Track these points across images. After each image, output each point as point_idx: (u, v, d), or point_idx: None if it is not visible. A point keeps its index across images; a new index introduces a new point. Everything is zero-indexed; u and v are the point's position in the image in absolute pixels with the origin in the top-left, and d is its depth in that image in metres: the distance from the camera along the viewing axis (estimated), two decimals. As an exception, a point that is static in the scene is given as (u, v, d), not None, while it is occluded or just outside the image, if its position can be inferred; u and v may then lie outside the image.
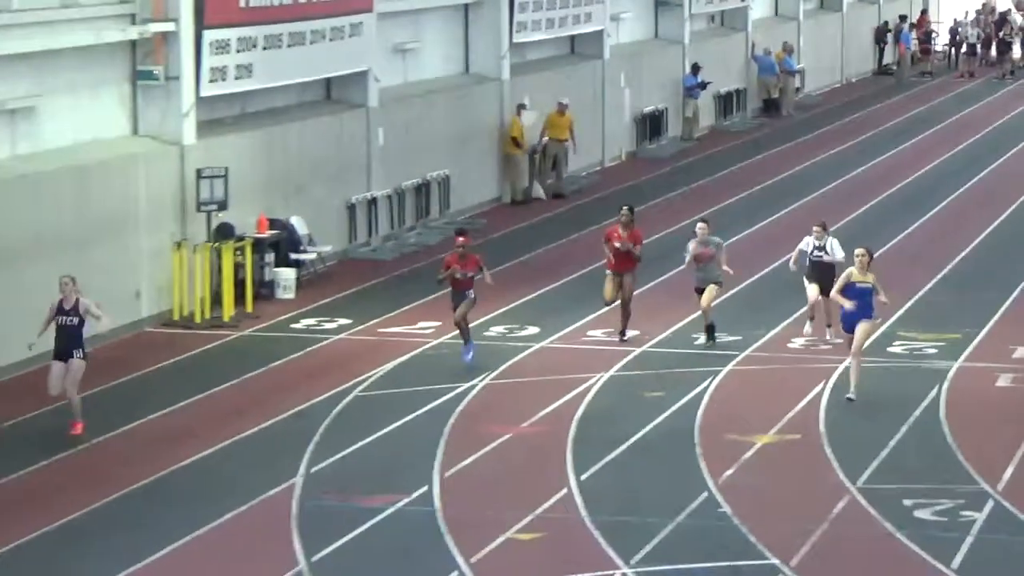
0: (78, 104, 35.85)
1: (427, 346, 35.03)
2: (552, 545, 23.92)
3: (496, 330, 36.14)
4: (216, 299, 37.30)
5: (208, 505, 25.38)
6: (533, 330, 36.00)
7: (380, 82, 44.82)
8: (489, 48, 50.82)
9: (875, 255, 31.10)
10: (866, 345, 31.16)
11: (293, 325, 36.64)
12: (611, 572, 22.82)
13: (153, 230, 36.61)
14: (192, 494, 26.04)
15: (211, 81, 38.31)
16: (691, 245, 35.04)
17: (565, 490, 26.11)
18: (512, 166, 51.06)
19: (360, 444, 28.48)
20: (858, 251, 30.19)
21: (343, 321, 37.00)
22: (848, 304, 29.99)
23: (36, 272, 32.91)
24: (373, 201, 44.56)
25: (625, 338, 35.27)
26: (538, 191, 51.22)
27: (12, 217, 32.59)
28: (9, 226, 32.45)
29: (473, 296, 33.00)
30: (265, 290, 38.79)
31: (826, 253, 33.98)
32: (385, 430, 29.33)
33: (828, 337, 34.81)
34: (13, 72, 33.76)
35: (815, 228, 34.72)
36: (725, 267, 35.09)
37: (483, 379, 32.22)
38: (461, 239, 33.56)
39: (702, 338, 35.12)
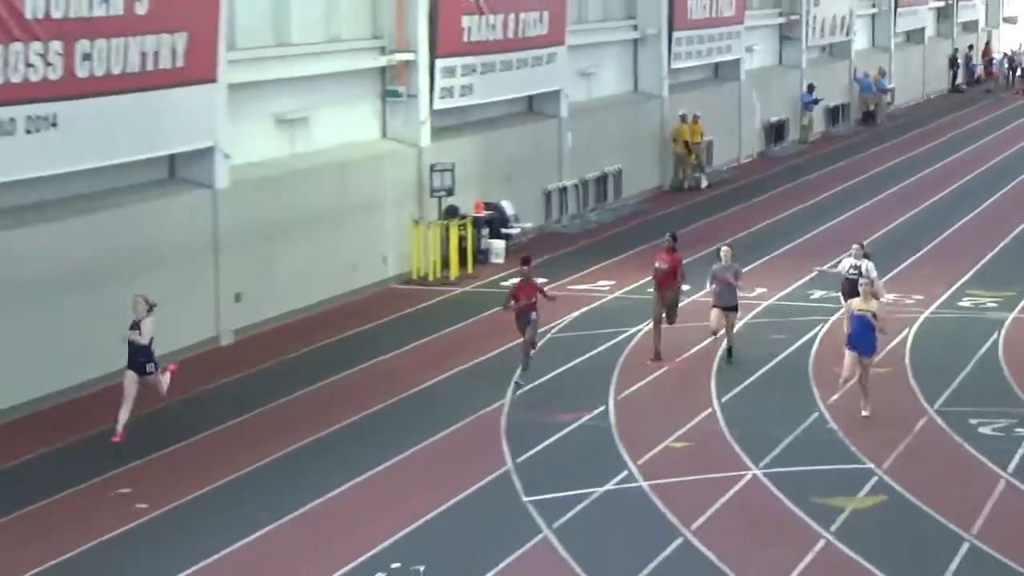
0: (340, 115, 36.16)
1: (604, 299, 35.05)
2: (699, 451, 24.06)
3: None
4: (444, 263, 37.40)
5: (436, 421, 25.67)
6: (684, 285, 35.86)
7: (569, 98, 44.83)
8: (653, 72, 50.67)
9: (948, 232, 30.38)
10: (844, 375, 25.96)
11: (503, 283, 36.55)
12: (744, 472, 22.90)
13: (397, 210, 36.86)
14: (424, 412, 26.31)
15: (441, 98, 38.48)
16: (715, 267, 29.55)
17: (709, 410, 26.17)
18: (679, 161, 50.99)
19: (553, 373, 28.62)
20: (862, 282, 26.03)
21: (540, 280, 36.85)
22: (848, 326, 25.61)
23: (309, 241, 33.39)
24: (563, 189, 44.57)
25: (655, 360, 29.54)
26: (703, 181, 50.99)
27: (291, 201, 32.96)
28: (288, 208, 32.83)
29: (536, 318, 27.88)
30: (481, 256, 38.79)
31: (861, 274, 28.04)
32: (572, 363, 29.49)
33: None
34: (292, 91, 34.16)
35: (854, 247, 29.78)
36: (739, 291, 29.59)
37: (646, 324, 32.20)
38: (525, 267, 28.60)
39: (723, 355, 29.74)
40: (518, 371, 27.83)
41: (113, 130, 27.91)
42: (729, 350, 29.44)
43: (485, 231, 39.24)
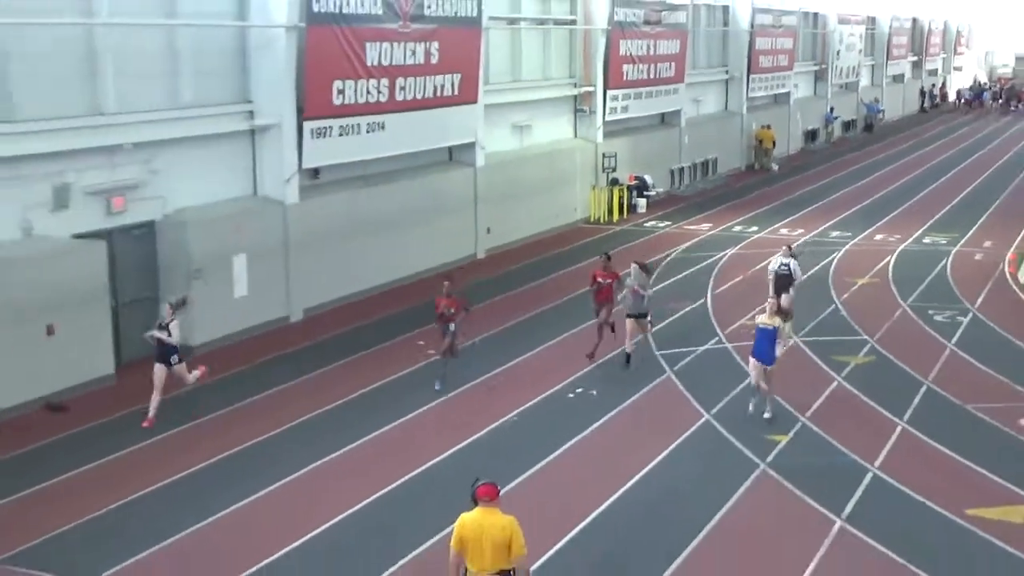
0: (550, 123, 36.15)
1: (705, 235, 34.72)
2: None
3: (741, 227, 35.78)
4: (609, 211, 37.36)
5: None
6: (755, 227, 35.66)
7: (685, 115, 44.48)
8: (737, 98, 49.98)
9: (919, 196, 29.03)
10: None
11: (645, 224, 36.59)
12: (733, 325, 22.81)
13: (582, 181, 36.88)
14: (587, 303, 26.42)
15: (609, 114, 38.40)
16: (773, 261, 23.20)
17: (742, 320, 26.00)
18: (757, 153, 50.37)
19: (673, 279, 28.59)
20: (769, 299, 18.67)
21: (666, 222, 36.94)
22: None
23: (531, 199, 33.56)
24: (682, 168, 44.18)
25: (593, 361, 21.12)
26: (774, 165, 50.31)
27: (520, 175, 33.11)
28: (519, 179, 32.97)
29: (455, 329, 19.42)
30: (632, 208, 38.63)
31: (791, 271, 22.48)
32: (687, 272, 29.39)
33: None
34: (522, 109, 34.28)
35: (783, 247, 23.26)
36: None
37: (732, 249, 32.02)
38: (446, 282, 19.93)
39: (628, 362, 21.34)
40: (437, 381, 19.55)
41: (417, 131, 28.30)
42: (628, 356, 20.77)
43: (634, 193, 39.07)
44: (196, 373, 18.65)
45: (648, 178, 40.17)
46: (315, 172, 25.92)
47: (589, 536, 13.90)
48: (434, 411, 18.65)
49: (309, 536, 13.88)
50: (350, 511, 14.58)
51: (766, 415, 17.94)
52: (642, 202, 39.14)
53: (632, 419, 18.20)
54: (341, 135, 25.62)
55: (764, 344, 17.81)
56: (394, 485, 15.44)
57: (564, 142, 36.70)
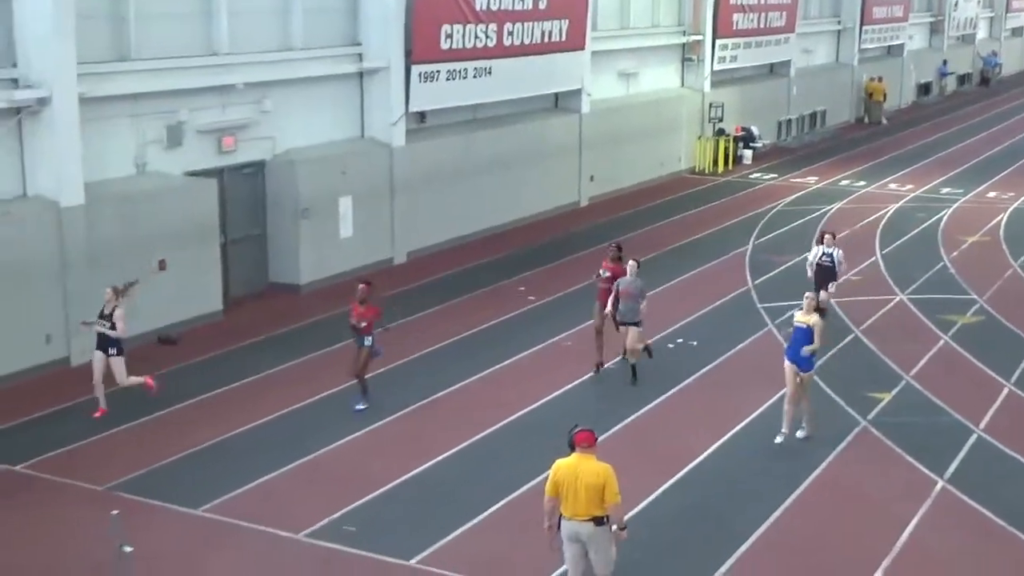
0: (657, 72, 35.70)
1: (811, 188, 34.08)
2: (867, 282, 23.55)
3: (848, 181, 35.13)
4: (714, 162, 36.93)
5: (708, 256, 25.56)
6: (863, 182, 35.00)
7: (795, 66, 43.60)
8: (849, 50, 48.78)
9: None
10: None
11: (750, 176, 36.13)
12: (894, 296, 22.44)
13: (688, 130, 36.44)
14: (701, 251, 26.21)
15: (718, 63, 37.76)
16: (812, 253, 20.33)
17: (874, 257, 25.56)
18: (867, 106, 49.28)
19: (777, 232, 28.21)
20: (808, 295, 15.40)
21: (772, 174, 36.42)
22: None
23: (636, 146, 33.29)
24: (789, 120, 43.44)
25: (600, 371, 17.77)
26: (883, 119, 49.25)
27: (625, 122, 32.81)
28: (623, 127, 32.69)
29: (370, 343, 16.03)
30: (737, 159, 38.15)
31: (833, 261, 19.82)
32: (792, 225, 28.97)
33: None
34: (628, 56, 33.95)
35: (826, 236, 20.17)
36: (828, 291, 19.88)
37: (838, 204, 31.46)
38: (361, 286, 16.16)
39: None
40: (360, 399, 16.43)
41: (523, 77, 28.21)
42: (633, 367, 17.30)
43: (740, 144, 38.57)
44: (137, 379, 15.90)
45: (755, 129, 39.59)
46: (421, 116, 25.99)
47: (687, 485, 13.83)
48: (533, 356, 18.69)
49: (413, 473, 14.07)
50: (450, 452, 14.75)
51: (799, 433, 15.11)
52: (748, 153, 38.62)
53: (733, 371, 18.04)
54: (448, 79, 25.63)
55: (799, 345, 15.08)
56: (493, 428, 15.54)
57: (670, 91, 36.27)
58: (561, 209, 30.05)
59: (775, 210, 30.71)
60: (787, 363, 15.09)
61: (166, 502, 13.26)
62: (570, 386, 17.27)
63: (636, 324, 17.05)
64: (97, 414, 15.58)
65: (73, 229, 17.85)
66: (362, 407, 16.11)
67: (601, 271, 17.99)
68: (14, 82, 17.36)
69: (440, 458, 14.52)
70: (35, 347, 17.07)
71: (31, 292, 17.28)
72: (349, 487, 13.66)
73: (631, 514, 12.62)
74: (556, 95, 30.72)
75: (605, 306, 17.44)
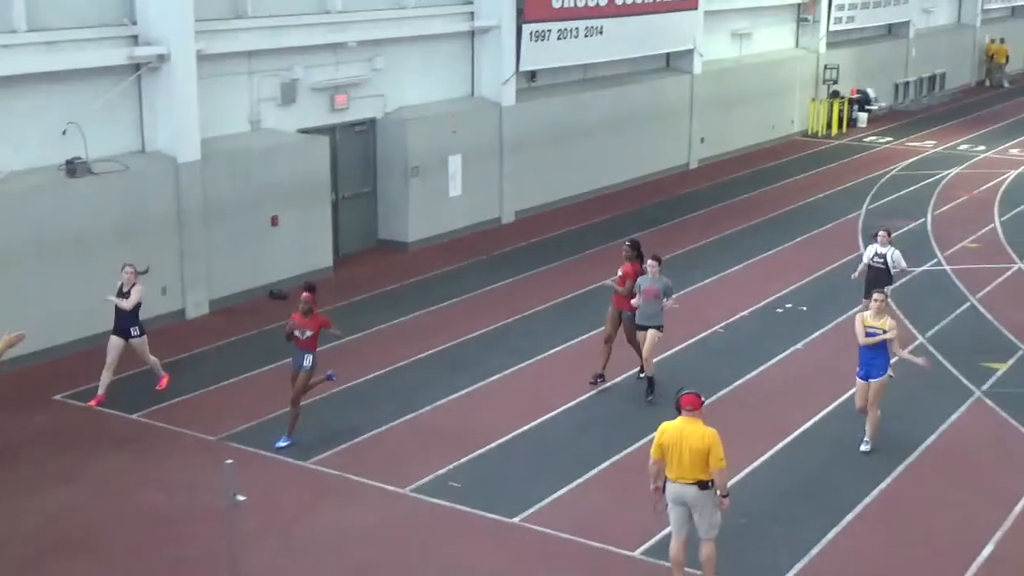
0: (770, 32, 35.08)
1: (928, 152, 33.32)
2: (984, 250, 22.98)
3: (967, 146, 34.16)
4: (828, 125, 36.26)
5: (819, 220, 25.14)
6: (982, 147, 34.04)
7: (914, 27, 42.37)
8: (971, 11, 47.36)
9: None
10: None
11: (865, 139, 35.42)
12: (1011, 265, 21.83)
13: (801, 92, 35.73)
14: (814, 215, 25.79)
15: (834, 23, 37.01)
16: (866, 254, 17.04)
17: (992, 224, 24.92)
18: (988, 69, 47.93)
19: (892, 197, 27.61)
20: (876, 295, 13.37)
21: (888, 138, 35.66)
22: (868, 340, 13.24)
23: (747, 108, 32.80)
24: (907, 82, 42.42)
25: (640, 376, 15.61)
26: (1005, 82, 47.91)
27: (737, 84, 32.32)
28: (736, 88, 32.21)
29: (311, 363, 13.69)
30: (852, 122, 37.34)
31: (887, 263, 16.58)
32: (907, 189, 28.38)
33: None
34: (742, 16, 33.35)
35: (880, 233, 16.84)
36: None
37: (956, 169, 30.70)
38: (305, 295, 13.76)
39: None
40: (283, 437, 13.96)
41: (635, 37, 27.95)
42: (649, 380, 15.15)
43: (855, 106, 37.79)
44: (157, 361, 15.26)
45: (871, 91, 38.75)
46: (532, 75, 25.92)
47: (796, 451, 13.67)
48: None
49: (519, 431, 14.12)
50: (557, 411, 14.76)
51: (863, 447, 13.60)
52: (863, 116, 37.81)
53: (842, 336, 17.74)
54: (559, 39, 25.51)
55: (869, 355, 13.30)
56: (601, 388, 15.50)
57: (784, 52, 35.62)
58: (670, 171, 29.81)
59: (890, 174, 30.07)
60: (859, 381, 13.40)
61: (277, 454, 13.50)
62: (678, 348, 17.15)
63: (658, 328, 14.96)
64: (93, 402, 14.73)
65: (189, 185, 18.18)
66: (284, 443, 13.47)
67: (621, 273, 15.38)
68: (134, 39, 17.68)
69: (547, 416, 14.53)
70: (152, 299, 17.42)
71: (148, 245, 17.64)
72: (455, 443, 13.76)
73: (737, 479, 12.54)
74: (667, 55, 30.37)
75: (620, 312, 15.27)
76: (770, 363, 16.57)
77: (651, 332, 14.91)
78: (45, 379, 15.67)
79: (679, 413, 10.30)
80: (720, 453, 10.07)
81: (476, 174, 23.88)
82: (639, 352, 15.25)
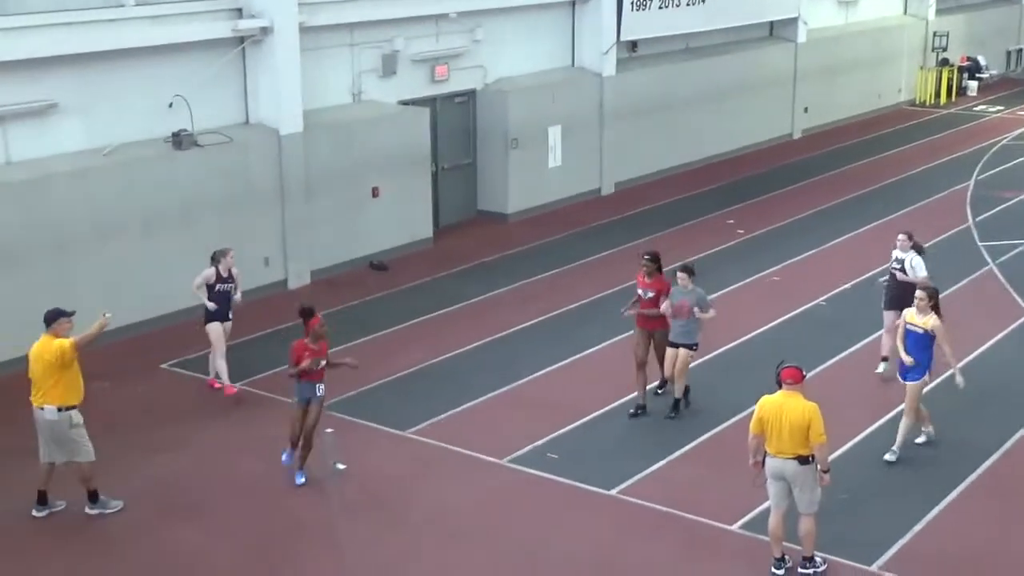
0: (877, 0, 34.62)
1: (1042, 121, 32.65)
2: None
3: (1078, 115, 33.37)
4: (936, 94, 35.40)
5: (923, 194, 24.48)
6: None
7: (1029, -10, 41.32)
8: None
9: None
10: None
11: (975, 108, 34.53)
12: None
13: (909, 60, 34.95)
14: (921, 185, 25.17)
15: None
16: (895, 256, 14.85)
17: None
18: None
19: (1002, 167, 26.84)
20: (919, 293, 12.32)
21: (999, 107, 34.70)
22: (907, 358, 12.28)
23: (852, 77, 32.19)
24: (1020, 50, 41.17)
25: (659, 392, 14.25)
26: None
27: (843, 53, 31.72)
28: (842, 56, 31.60)
29: (324, 391, 12.10)
30: (961, 90, 36.47)
31: (904, 270, 14.45)
32: (1017, 161, 27.50)
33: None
34: (849, -17, 32.83)
35: (900, 236, 14.70)
36: None
37: (1070, 139, 29.88)
38: (310, 322, 12.03)
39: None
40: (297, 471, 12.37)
41: (737, 5, 27.59)
42: (676, 400, 13.79)
43: (965, 75, 36.86)
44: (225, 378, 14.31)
45: (981, 59, 37.80)
46: (633, 45, 25.68)
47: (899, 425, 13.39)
48: (742, 289, 18.44)
49: (617, 403, 14.06)
50: (656, 384, 14.66)
51: (887, 456, 12.51)
52: (973, 84, 36.92)
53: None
54: (660, 8, 25.25)
55: (911, 349, 12.32)
56: (699, 361, 15.34)
57: (892, 19, 34.81)
58: (773, 141, 29.41)
59: (1001, 144, 29.27)
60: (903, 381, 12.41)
61: (376, 423, 13.61)
62: (779, 320, 16.97)
63: (691, 346, 13.54)
64: (229, 391, 14.25)
65: (291, 156, 18.36)
66: (303, 480, 12.06)
67: (641, 292, 13.71)
68: (238, 12, 17.87)
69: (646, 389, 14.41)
70: (255, 269, 17.71)
71: (251, 216, 17.90)
72: (553, 415, 13.75)
73: (838, 453, 12.35)
74: (771, 24, 29.87)
75: (650, 332, 13.74)
76: (872, 337, 16.20)
77: (683, 352, 13.48)
78: (153, 349, 15.99)
79: (779, 387, 10.16)
80: (820, 428, 9.91)
81: (576, 145, 23.77)
82: (662, 365, 13.92)
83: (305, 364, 11.83)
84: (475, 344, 16.16)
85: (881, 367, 14.71)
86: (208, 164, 17.22)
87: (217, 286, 14.27)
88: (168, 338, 16.26)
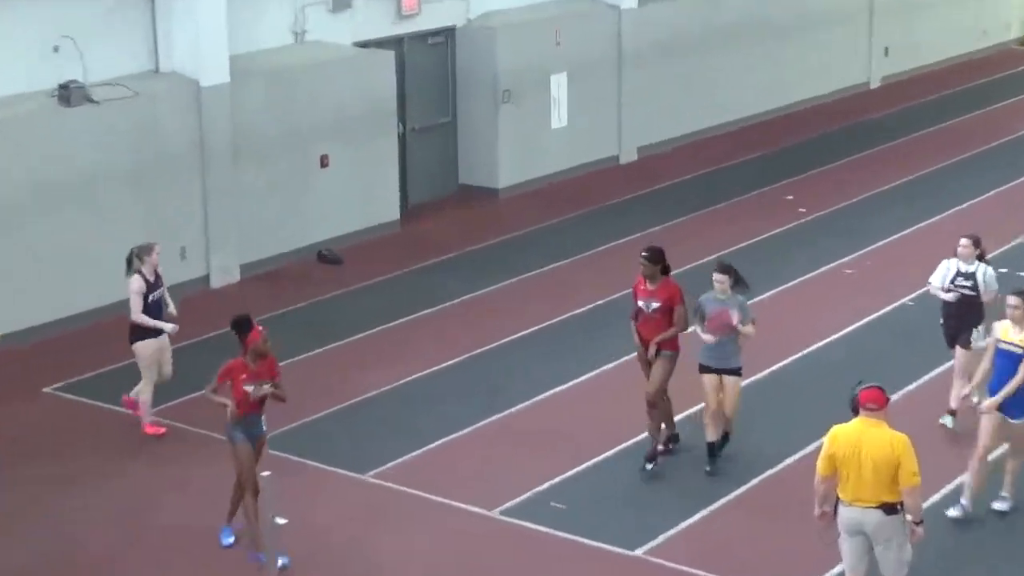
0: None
1: None
2: None
3: None
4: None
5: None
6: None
7: None
8: None
9: None
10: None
11: (1105, 48, 34.77)
12: None
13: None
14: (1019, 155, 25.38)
15: None
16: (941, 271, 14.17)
17: None
18: None
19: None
20: (1011, 300, 12.01)
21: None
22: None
23: (946, 8, 32.27)
24: None
25: (662, 452, 13.40)
26: None
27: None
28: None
29: (264, 430, 11.87)
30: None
31: (976, 287, 13.85)
32: None
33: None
34: None
35: (962, 241, 14.05)
36: None
37: None
38: (256, 330, 11.71)
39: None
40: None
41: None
42: (723, 438, 13.30)
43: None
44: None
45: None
46: (660, -33, 25.70)
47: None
48: (807, 285, 18.51)
49: (637, 439, 13.94)
50: (690, 411, 14.59)
51: (996, 505, 12.38)
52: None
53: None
54: (696, -81, 25.36)
55: (1006, 377, 11.95)
56: (750, 380, 15.35)
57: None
58: (843, 92, 29.45)
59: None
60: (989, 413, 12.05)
61: (325, 463, 13.55)
62: (849, 328, 16.88)
63: (735, 372, 13.08)
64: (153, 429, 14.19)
65: (215, 114, 18.28)
66: (231, 540, 11.97)
67: (643, 304, 13.12)
68: (144, -73, 17.88)
69: (676, 419, 14.31)
70: (168, 263, 17.39)
71: (162, 194, 17.86)
72: (555, 452, 13.70)
73: (933, 500, 12.29)
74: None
75: (660, 351, 13.10)
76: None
77: (730, 382, 13.00)
78: (38, 363, 15.94)
79: (855, 413, 10.10)
80: (914, 466, 9.85)
81: (587, 99, 23.74)
82: (666, 416, 13.37)
83: (251, 390, 11.49)
84: (454, 360, 16.10)
85: (948, 421, 14.13)
86: (105, 125, 17.15)
87: (149, 296, 13.87)
88: (63, 348, 16.23)
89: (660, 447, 13.41)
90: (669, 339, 13.09)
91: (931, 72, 31.81)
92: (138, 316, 13.83)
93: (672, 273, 13.42)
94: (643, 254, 13.11)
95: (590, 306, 17.77)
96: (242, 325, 11.73)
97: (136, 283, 13.80)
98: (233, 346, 11.91)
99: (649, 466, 13.26)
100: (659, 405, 13.31)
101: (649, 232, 20.51)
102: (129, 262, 13.96)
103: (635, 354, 13.75)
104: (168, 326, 14.08)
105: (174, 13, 18.09)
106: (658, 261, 13.02)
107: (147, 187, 17.64)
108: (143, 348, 13.99)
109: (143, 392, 14.17)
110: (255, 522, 11.70)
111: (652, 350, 13.11)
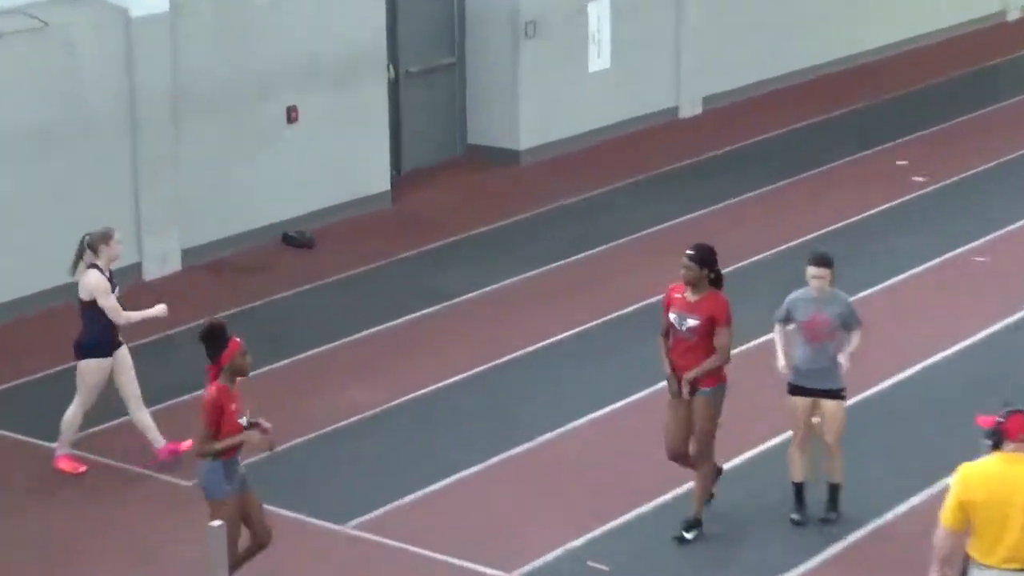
0: None
1: None
2: None
3: None
4: None
5: None
6: None
7: None
8: None
9: None
10: None
11: None
12: None
13: None
14: None
15: None
16: None
17: None
18: None
19: None
20: None
21: None
22: None
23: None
24: None
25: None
26: None
27: None
28: None
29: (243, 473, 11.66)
30: None
31: None
32: None
33: None
34: None
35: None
36: None
37: None
38: (233, 340, 11.50)
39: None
40: None
41: None
42: (832, 489, 13.24)
43: None
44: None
45: None
46: None
47: None
48: (927, 275, 18.70)
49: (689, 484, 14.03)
50: (771, 445, 14.59)
51: None
52: None
53: None
54: None
55: None
56: (889, 382, 15.50)
57: None
58: (971, 26, 29.71)
59: None
60: None
61: (296, 511, 13.54)
62: (982, 334, 16.91)
63: (839, 394, 12.95)
64: (161, 458, 14.36)
65: (150, 54, 18.32)
66: None
67: (675, 318, 12.63)
68: None
69: (748, 454, 14.29)
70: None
71: (80, 158, 17.85)
72: (590, 497, 13.69)
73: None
74: None
75: (695, 388, 12.61)
76: None
77: (830, 407, 12.92)
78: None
79: (996, 448, 9.96)
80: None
81: (636, 34, 23.89)
82: (695, 464, 12.96)
83: (246, 423, 11.37)
84: (457, 376, 16.18)
85: None
86: (8, 66, 17.16)
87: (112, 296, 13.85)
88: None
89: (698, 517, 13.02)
90: (709, 372, 12.67)
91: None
92: (125, 315, 13.82)
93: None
94: (688, 253, 12.61)
95: (633, 307, 17.75)
96: (216, 336, 11.47)
97: (97, 280, 13.67)
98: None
99: (689, 535, 12.96)
100: (701, 467, 12.89)
101: (714, 209, 20.60)
102: (80, 254, 13.82)
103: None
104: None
105: (96, -79, 18.21)
106: (707, 264, 12.59)
107: (58, 150, 17.64)
108: (91, 369, 13.87)
109: (73, 416, 14.03)
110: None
111: (686, 389, 12.57)
